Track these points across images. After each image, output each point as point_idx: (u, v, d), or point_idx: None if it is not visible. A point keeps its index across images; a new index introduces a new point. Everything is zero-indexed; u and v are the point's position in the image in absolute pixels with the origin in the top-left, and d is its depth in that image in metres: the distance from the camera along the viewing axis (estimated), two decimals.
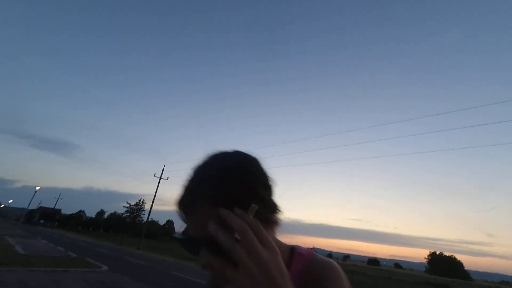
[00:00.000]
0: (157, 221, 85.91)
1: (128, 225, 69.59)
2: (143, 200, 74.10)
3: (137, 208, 72.25)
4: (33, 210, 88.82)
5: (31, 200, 37.82)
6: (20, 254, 10.24)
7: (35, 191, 43.12)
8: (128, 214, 72.32)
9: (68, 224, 78.87)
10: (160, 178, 30.00)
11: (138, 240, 32.59)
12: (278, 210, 0.52)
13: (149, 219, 31.92)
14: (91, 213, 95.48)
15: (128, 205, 73.00)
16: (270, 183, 0.52)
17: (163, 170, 30.41)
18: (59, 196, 73.67)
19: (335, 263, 0.51)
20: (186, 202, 0.51)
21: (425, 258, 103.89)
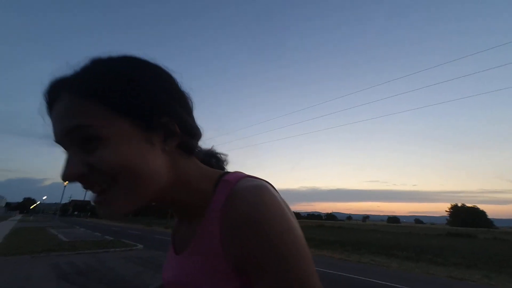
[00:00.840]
0: None
1: (154, 208, 73.96)
2: None
3: None
4: (66, 203, 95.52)
5: (63, 194, 40.49)
6: (64, 241, 11.26)
7: (64, 186, 45.88)
8: None
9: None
10: None
11: (165, 221, 34.78)
12: (198, 133, 0.41)
13: None
14: None
15: None
16: (183, 96, 0.40)
17: None
18: None
19: (265, 190, 0.35)
20: (50, 90, 0.36)
21: (446, 211, 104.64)
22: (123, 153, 0.33)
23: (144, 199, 0.36)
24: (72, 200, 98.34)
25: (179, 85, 0.40)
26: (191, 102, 0.42)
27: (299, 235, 0.34)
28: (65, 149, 0.35)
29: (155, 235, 17.31)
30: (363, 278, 6.45)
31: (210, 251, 0.35)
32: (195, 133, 0.40)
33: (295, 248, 0.32)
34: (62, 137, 0.34)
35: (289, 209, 0.37)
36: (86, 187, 0.34)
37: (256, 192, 0.35)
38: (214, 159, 0.52)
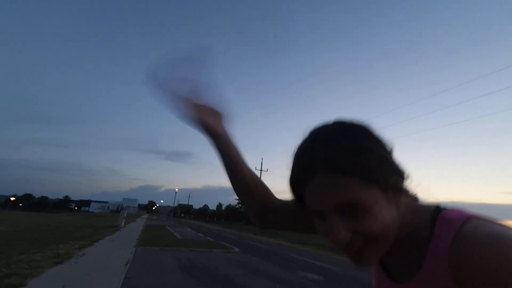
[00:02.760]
0: None
1: (242, 214, 79.88)
2: None
3: None
4: (175, 206, 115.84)
5: (174, 199, 49.44)
6: (179, 239, 13.70)
7: (176, 192, 55.61)
8: (240, 205, 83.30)
9: (199, 216, 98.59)
10: (261, 170, 32.69)
11: (253, 227, 36.89)
12: (405, 175, 0.42)
13: None
14: (212, 206, 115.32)
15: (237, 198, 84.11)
16: (390, 145, 0.42)
17: (262, 163, 33.07)
18: (189, 195, 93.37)
19: (506, 235, 0.33)
20: (304, 172, 0.40)
21: None
22: (383, 218, 0.38)
23: (386, 250, 0.41)
24: (179, 204, 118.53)
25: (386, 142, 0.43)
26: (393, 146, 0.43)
27: None
28: (326, 216, 0.39)
29: (247, 241, 18.64)
30: None
31: (440, 285, 0.36)
32: (404, 175, 0.42)
33: None
34: (330, 209, 0.38)
35: None
36: (345, 246, 0.39)
37: (502, 244, 0.32)
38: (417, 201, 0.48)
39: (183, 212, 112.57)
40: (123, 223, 17.65)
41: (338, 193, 0.37)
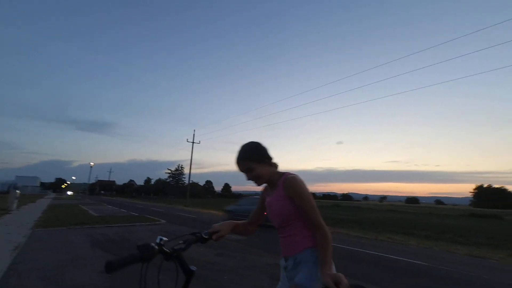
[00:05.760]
0: (197, 182, 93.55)
1: (173, 188, 77.25)
2: (182, 165, 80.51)
3: (178, 173, 79.24)
4: (93, 183, 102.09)
5: (90, 175, 43.30)
6: (95, 216, 12.20)
7: (91, 167, 48.71)
8: (171, 179, 79.94)
9: (123, 192, 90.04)
10: (193, 143, 31.64)
11: (184, 200, 36.38)
12: (271, 158, 1.23)
13: (190, 181, 34.91)
14: (139, 181, 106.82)
15: (169, 171, 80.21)
16: (266, 147, 1.24)
17: (194, 135, 31.89)
18: (110, 170, 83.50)
19: (299, 176, 1.17)
20: (236, 161, 1.22)
21: (470, 192, 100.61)
22: (258, 172, 1.19)
23: (264, 182, 1.24)
24: (98, 180, 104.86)
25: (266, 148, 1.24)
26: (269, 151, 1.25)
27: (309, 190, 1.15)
28: (241, 171, 1.23)
29: (176, 212, 18.24)
30: (380, 254, 6.51)
31: (281, 194, 1.16)
32: (272, 159, 1.23)
33: (309, 193, 1.13)
34: (244, 170, 1.21)
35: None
36: (248, 179, 1.21)
37: (296, 176, 1.16)
38: (277, 167, 1.27)
39: (104, 189, 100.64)
40: (14, 205, 14.45)
41: (244, 166, 1.20)
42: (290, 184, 1.11)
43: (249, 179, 1.20)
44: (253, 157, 1.18)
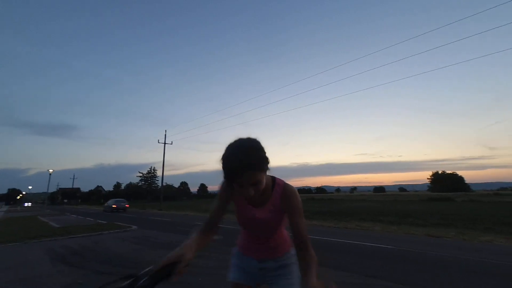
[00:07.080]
0: (172, 185, 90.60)
1: (146, 191, 73.78)
2: (154, 167, 77.03)
3: (150, 175, 75.78)
4: (54, 192, 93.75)
5: (49, 183, 39.63)
6: (56, 227, 11.19)
7: (50, 174, 44.66)
8: (143, 182, 76.24)
9: (90, 200, 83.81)
10: (165, 144, 30.51)
11: (158, 203, 35.00)
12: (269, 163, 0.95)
13: (164, 183, 33.59)
14: (108, 187, 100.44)
15: (141, 174, 76.47)
16: (265, 147, 0.96)
17: (165, 135, 30.75)
18: (74, 176, 77.27)
19: (293, 187, 1.04)
20: (237, 171, 0.84)
21: (427, 178, 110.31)
22: (264, 183, 0.91)
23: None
24: (60, 189, 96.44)
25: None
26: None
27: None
28: (245, 186, 0.87)
29: (149, 217, 17.49)
30: (350, 241, 6.89)
31: (277, 206, 1.03)
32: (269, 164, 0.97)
33: (301, 204, 1.02)
34: (248, 184, 0.86)
35: None
36: (249, 194, 0.88)
37: (295, 189, 1.03)
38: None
39: (67, 197, 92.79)
40: None
41: (254, 179, 0.85)
42: (291, 196, 0.99)
43: (251, 194, 0.88)
44: (264, 166, 0.88)
